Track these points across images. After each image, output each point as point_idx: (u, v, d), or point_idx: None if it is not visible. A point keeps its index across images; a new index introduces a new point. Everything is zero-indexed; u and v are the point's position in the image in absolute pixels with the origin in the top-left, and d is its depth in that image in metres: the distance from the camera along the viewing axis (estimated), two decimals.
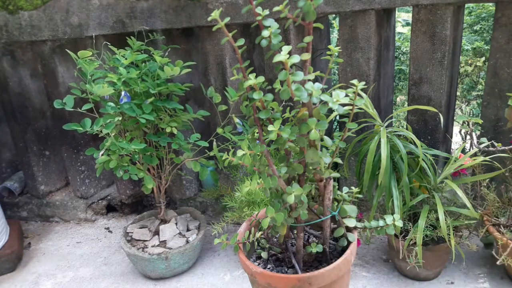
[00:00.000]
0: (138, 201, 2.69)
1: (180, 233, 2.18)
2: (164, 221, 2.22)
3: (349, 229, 1.20)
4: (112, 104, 1.76)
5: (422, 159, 1.67)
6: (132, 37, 1.96)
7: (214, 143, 1.88)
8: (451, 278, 1.90)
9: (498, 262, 1.66)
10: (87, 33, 2.18)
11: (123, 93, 1.77)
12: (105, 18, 2.13)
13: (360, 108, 1.74)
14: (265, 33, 0.93)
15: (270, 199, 1.13)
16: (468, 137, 1.79)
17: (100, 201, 2.69)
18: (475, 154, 1.72)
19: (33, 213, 2.75)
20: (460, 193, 1.64)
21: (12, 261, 2.28)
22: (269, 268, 1.19)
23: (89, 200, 2.69)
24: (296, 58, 0.89)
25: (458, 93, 3.41)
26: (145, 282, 2.10)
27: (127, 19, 2.10)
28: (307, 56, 0.95)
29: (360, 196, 1.24)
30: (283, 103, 1.83)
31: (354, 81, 1.05)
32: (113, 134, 1.75)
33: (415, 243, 1.67)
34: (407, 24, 4.46)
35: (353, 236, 1.18)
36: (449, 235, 1.65)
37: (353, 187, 1.22)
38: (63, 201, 2.69)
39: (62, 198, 2.72)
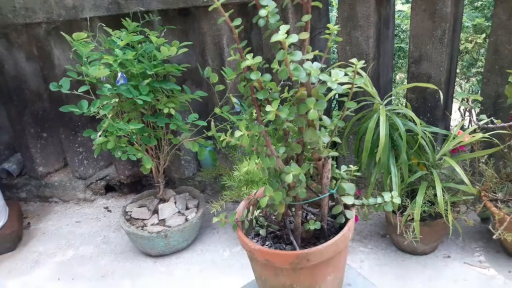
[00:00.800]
0: (137, 181, 2.69)
1: (179, 212, 2.19)
2: (163, 200, 2.24)
3: (347, 207, 1.20)
4: (108, 85, 1.75)
5: (421, 137, 1.67)
6: (127, 19, 1.93)
7: (212, 123, 1.87)
8: (447, 252, 1.93)
9: (494, 236, 1.68)
10: (82, 15, 2.14)
11: (119, 74, 1.75)
12: (100, 0, 2.09)
13: (359, 87, 1.73)
14: (263, 12, 0.91)
15: (268, 179, 1.13)
16: (467, 114, 1.79)
17: (98, 182, 2.70)
18: (474, 131, 1.73)
19: (32, 194, 2.76)
20: (458, 169, 1.64)
21: (12, 240, 2.30)
22: (267, 245, 1.20)
23: (88, 180, 2.69)
24: (294, 38, 0.88)
25: (457, 70, 3.39)
26: (145, 259, 2.13)
27: (123, 0, 2.07)
28: (305, 35, 0.93)
29: (359, 174, 1.24)
30: (281, 83, 1.81)
31: (354, 60, 1.04)
32: (110, 116, 1.74)
33: (412, 218, 1.68)
34: (407, 1, 4.40)
35: (351, 213, 1.18)
36: (447, 210, 1.66)
37: (351, 165, 1.22)
38: (62, 182, 2.70)
39: (61, 179, 2.72)
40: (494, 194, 1.81)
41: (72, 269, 2.12)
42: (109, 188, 2.74)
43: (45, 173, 2.73)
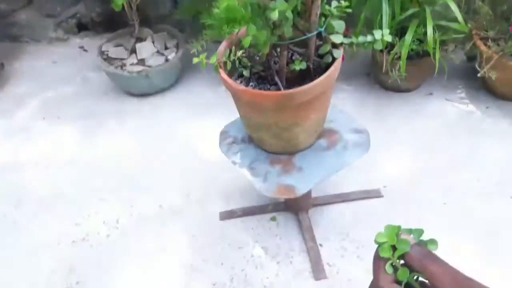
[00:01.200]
0: (110, 19, 2.52)
1: (158, 52, 2.11)
2: (140, 39, 2.13)
3: (335, 45, 1.15)
4: None
5: None
6: None
7: None
8: (430, 89, 1.96)
9: (479, 75, 1.70)
10: None
11: None
12: None
13: None
14: None
15: (251, 16, 1.04)
16: None
17: (69, 20, 2.53)
18: None
19: None
20: (452, 6, 1.57)
21: None
22: (251, 86, 1.18)
23: (57, 19, 2.52)
24: None
25: None
26: (129, 98, 2.12)
27: None
28: None
29: (349, 10, 1.14)
30: None
31: None
32: None
33: (399, 57, 1.65)
34: None
35: (338, 52, 1.13)
36: (435, 49, 1.62)
37: (342, 1, 1.12)
38: (30, 21, 2.52)
39: (28, 17, 2.53)
40: (486, 33, 1.76)
41: (56, 109, 2.11)
42: (82, 27, 2.58)
43: (9, 11, 2.52)
